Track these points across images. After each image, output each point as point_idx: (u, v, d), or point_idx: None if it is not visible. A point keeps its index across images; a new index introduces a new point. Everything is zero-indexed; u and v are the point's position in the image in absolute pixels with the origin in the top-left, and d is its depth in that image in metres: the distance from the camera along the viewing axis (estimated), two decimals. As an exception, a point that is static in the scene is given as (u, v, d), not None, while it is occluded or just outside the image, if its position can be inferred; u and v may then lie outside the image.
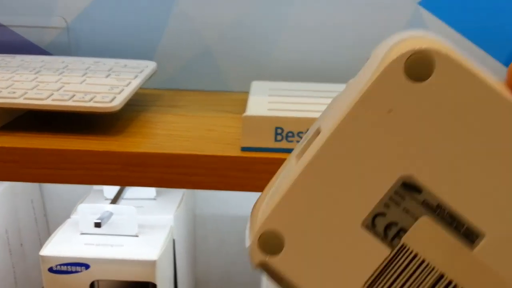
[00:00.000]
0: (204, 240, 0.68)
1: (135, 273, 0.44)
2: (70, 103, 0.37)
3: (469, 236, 0.16)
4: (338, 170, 0.16)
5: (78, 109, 0.37)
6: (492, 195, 0.15)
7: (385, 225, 0.16)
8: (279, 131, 0.35)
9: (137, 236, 0.46)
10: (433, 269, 0.16)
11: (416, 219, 0.16)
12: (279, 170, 0.19)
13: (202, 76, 0.53)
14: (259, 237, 0.17)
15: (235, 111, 0.46)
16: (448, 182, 0.16)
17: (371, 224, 0.16)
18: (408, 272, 0.16)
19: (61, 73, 0.43)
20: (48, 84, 0.40)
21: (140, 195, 0.52)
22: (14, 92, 0.38)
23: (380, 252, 0.16)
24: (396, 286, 0.16)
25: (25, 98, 0.37)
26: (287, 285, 0.17)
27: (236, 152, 0.36)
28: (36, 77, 0.42)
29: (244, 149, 0.36)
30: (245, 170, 0.36)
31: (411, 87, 0.15)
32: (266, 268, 0.17)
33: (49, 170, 0.36)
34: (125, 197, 0.51)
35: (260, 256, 0.17)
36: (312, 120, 0.35)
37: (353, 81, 0.17)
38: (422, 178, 0.16)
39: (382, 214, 0.16)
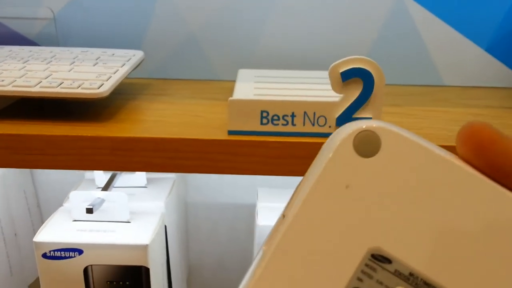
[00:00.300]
0: (196, 228, 0.69)
1: (127, 258, 0.44)
2: (58, 90, 0.37)
3: None
4: (306, 253, 0.16)
5: (66, 96, 0.37)
6: (459, 256, 0.16)
7: None
8: (264, 114, 0.36)
9: (129, 222, 0.47)
10: None
11: None
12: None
13: (190, 65, 0.53)
14: None
15: (222, 98, 0.46)
16: (415, 250, 0.16)
17: None
18: None
19: (49, 62, 0.43)
20: (37, 72, 0.40)
21: (131, 183, 0.53)
22: (2, 80, 0.38)
23: None
24: None
25: (14, 86, 0.38)
26: None
27: (223, 136, 0.37)
28: (25, 66, 0.42)
29: (231, 132, 0.37)
30: (232, 153, 0.36)
31: (363, 163, 0.16)
32: None
33: (39, 156, 0.37)
34: (116, 185, 0.52)
35: None
36: (297, 104, 0.36)
37: (310, 170, 0.17)
38: (389, 248, 0.16)
39: None
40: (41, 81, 0.38)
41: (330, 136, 0.17)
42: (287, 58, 0.52)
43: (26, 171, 0.62)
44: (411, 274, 0.16)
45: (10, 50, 0.47)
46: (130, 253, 0.44)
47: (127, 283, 0.46)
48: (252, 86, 0.43)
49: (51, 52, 0.47)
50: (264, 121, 0.36)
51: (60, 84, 0.38)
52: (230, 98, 0.36)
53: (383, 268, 0.16)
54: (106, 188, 0.49)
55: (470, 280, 0.15)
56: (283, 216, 0.17)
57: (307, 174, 0.17)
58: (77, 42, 0.53)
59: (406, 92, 0.50)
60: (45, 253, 0.45)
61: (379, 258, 0.16)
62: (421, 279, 0.16)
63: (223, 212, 0.68)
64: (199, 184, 0.66)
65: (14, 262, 0.60)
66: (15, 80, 0.39)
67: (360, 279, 0.16)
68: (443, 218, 0.16)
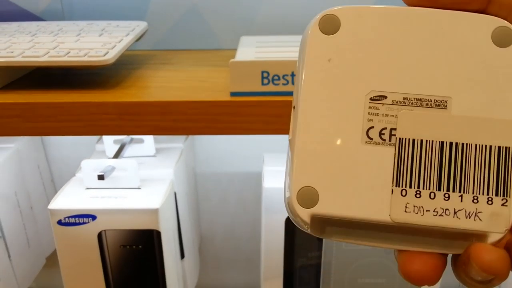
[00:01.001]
0: (206, 198, 0.71)
1: (139, 222, 0.46)
2: (65, 58, 0.38)
3: (440, 105, 0.19)
4: (324, 110, 0.20)
5: (73, 64, 0.38)
6: (435, 69, 0.19)
7: (378, 133, 0.19)
8: (265, 74, 0.37)
9: (139, 188, 0.49)
10: (432, 142, 0.19)
11: (396, 116, 0.19)
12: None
13: (193, 35, 0.54)
14: (297, 195, 0.20)
15: (226, 65, 0.47)
16: (397, 78, 0.19)
17: (368, 138, 0.19)
18: (417, 155, 0.19)
19: (56, 35, 0.45)
20: (44, 44, 0.42)
21: (140, 152, 0.54)
22: (12, 52, 0.40)
23: (388, 154, 0.19)
24: (415, 173, 0.19)
25: (23, 57, 0.39)
26: (334, 225, 0.20)
27: (225, 97, 0.38)
28: (33, 39, 0.43)
29: (233, 94, 0.38)
30: (235, 114, 0.38)
31: (332, 38, 0.20)
32: (313, 219, 0.20)
33: (49, 123, 0.38)
34: (125, 155, 0.53)
35: (303, 212, 0.20)
36: (295, 63, 0.37)
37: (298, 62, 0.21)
38: (380, 88, 0.19)
39: (371, 128, 0.19)
40: (49, 51, 0.40)
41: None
42: (289, 24, 0.53)
43: (39, 145, 0.64)
44: (405, 98, 0.19)
45: (19, 25, 0.48)
46: (142, 217, 0.46)
47: (140, 246, 0.48)
48: (253, 50, 0.44)
49: (57, 25, 0.48)
50: (265, 81, 0.37)
51: (67, 53, 0.39)
52: (231, 60, 0.37)
53: (383, 104, 0.19)
54: (116, 156, 0.50)
55: (446, 76, 0.19)
56: (293, 107, 0.20)
57: (297, 65, 0.21)
58: (83, 16, 0.54)
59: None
60: (60, 220, 0.46)
61: (376, 98, 0.20)
62: (414, 98, 0.19)
63: (232, 181, 0.70)
64: (207, 155, 0.68)
65: (31, 235, 0.62)
66: (24, 52, 0.40)
67: (370, 119, 0.19)
68: (410, 46, 0.19)
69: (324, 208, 0.19)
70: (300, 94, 0.20)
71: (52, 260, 0.68)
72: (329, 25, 0.20)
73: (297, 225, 0.20)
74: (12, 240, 0.58)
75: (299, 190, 0.19)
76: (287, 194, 0.20)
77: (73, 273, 0.49)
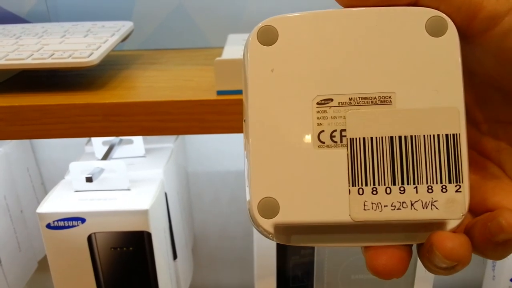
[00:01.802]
0: (199, 198, 0.70)
1: (129, 223, 0.46)
2: (49, 60, 0.38)
3: (385, 101, 0.20)
4: (274, 120, 0.20)
5: (57, 66, 0.38)
6: (375, 66, 0.20)
7: (329, 136, 0.20)
8: (251, 72, 0.36)
9: (129, 190, 0.48)
10: (382, 138, 0.19)
11: (344, 117, 0.20)
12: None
13: (180, 34, 0.54)
14: (258, 206, 0.20)
15: (212, 63, 0.47)
16: (340, 80, 0.20)
17: (320, 142, 0.20)
18: (368, 153, 0.19)
19: (40, 37, 0.44)
20: (29, 46, 0.41)
21: (129, 153, 0.54)
22: (-5, 55, 0.39)
23: (341, 155, 0.20)
24: (369, 170, 0.19)
25: (7, 60, 0.39)
26: (299, 232, 0.20)
27: (212, 96, 0.37)
28: (17, 41, 0.43)
29: (219, 92, 0.37)
30: (221, 113, 0.37)
31: (272, 49, 0.20)
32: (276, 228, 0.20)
33: (34, 126, 0.38)
34: (114, 156, 0.53)
35: (265, 222, 0.20)
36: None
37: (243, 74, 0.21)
38: (325, 91, 0.20)
39: (322, 132, 0.20)
40: (33, 54, 0.39)
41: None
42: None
43: (28, 148, 0.63)
44: (350, 99, 0.20)
45: (3, 28, 0.48)
46: (131, 218, 0.45)
47: (130, 248, 0.48)
48: (240, 48, 0.44)
49: (42, 27, 0.47)
50: (251, 79, 0.37)
51: (52, 55, 0.39)
52: (217, 59, 0.37)
53: (330, 107, 0.20)
54: (104, 158, 0.50)
55: (387, 72, 0.20)
56: (244, 120, 0.21)
57: (242, 78, 0.21)
58: (68, 17, 0.53)
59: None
60: (49, 224, 0.46)
61: (323, 102, 0.20)
62: (358, 97, 0.20)
63: (224, 180, 0.70)
64: (198, 154, 0.67)
65: (22, 239, 0.62)
66: (8, 55, 0.40)
67: (319, 124, 0.20)
68: (349, 47, 0.20)
69: (286, 216, 0.20)
70: (248, 107, 0.20)
71: (44, 264, 0.67)
72: (267, 36, 0.20)
73: (262, 235, 0.20)
74: (2, 245, 0.58)
75: (259, 202, 0.20)
76: (248, 206, 0.20)
77: (64, 277, 0.49)
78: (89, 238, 0.46)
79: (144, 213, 0.45)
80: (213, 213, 0.72)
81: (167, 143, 0.58)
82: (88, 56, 0.38)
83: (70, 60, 0.38)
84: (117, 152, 0.53)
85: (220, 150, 0.67)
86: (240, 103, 0.37)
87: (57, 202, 0.47)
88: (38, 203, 0.65)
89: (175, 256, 0.56)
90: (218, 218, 0.72)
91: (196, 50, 0.53)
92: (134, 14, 0.53)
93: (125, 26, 0.47)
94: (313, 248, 0.52)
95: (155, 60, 0.49)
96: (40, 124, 0.38)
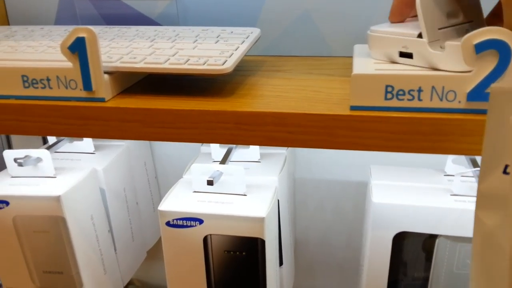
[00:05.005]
0: (303, 204, 0.70)
1: (244, 229, 0.46)
2: (186, 66, 0.39)
3: None
4: None
5: (193, 72, 0.39)
6: None
7: None
8: (389, 89, 0.35)
9: (245, 195, 0.49)
10: None
11: None
12: None
13: (304, 42, 0.53)
14: None
15: (339, 74, 0.46)
16: None
17: None
18: None
19: (173, 41, 0.46)
20: (164, 50, 0.43)
21: (245, 157, 0.55)
22: (134, 58, 0.41)
23: None
24: None
25: (145, 63, 0.40)
26: None
27: (345, 111, 0.36)
28: (152, 45, 0.44)
29: (353, 108, 0.36)
30: (354, 129, 0.36)
31: None
32: None
33: (168, 129, 0.39)
34: (232, 159, 0.53)
35: None
36: (425, 78, 0.35)
37: None
38: None
39: None
40: (169, 58, 0.40)
41: None
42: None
43: (147, 144, 0.66)
44: None
45: (137, 30, 0.50)
46: (247, 224, 0.46)
47: (244, 253, 0.48)
48: (371, 61, 0.42)
49: (174, 31, 0.49)
50: (389, 96, 0.35)
51: (187, 61, 0.40)
52: (354, 73, 0.36)
53: None
54: (223, 161, 0.51)
55: None
56: None
57: None
58: (196, 20, 0.55)
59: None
60: (169, 221, 0.47)
61: None
62: None
63: (330, 189, 0.69)
64: (307, 161, 0.67)
65: (136, 229, 0.65)
66: (146, 58, 0.41)
67: None
68: None
69: None
70: None
71: (152, 254, 0.70)
72: None
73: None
74: (118, 234, 0.61)
75: None
76: None
77: (177, 273, 0.50)
78: (205, 239, 0.47)
79: (261, 221, 0.45)
80: (316, 220, 0.71)
81: (281, 149, 0.58)
82: (223, 64, 0.39)
83: (205, 67, 0.39)
84: (233, 155, 0.54)
85: (329, 158, 0.66)
86: (374, 120, 0.36)
87: (178, 201, 0.48)
88: (152, 196, 0.68)
89: (281, 263, 0.56)
90: (321, 225, 0.72)
91: (318, 58, 0.52)
92: (259, 20, 0.53)
93: (253, 33, 0.47)
94: (427, 272, 0.50)
95: (279, 68, 0.49)
96: (173, 128, 0.39)
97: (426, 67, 0.36)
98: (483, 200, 0.24)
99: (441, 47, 0.35)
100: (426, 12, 0.35)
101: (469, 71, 0.33)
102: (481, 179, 0.27)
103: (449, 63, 0.34)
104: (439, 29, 0.36)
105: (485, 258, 0.19)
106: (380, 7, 0.50)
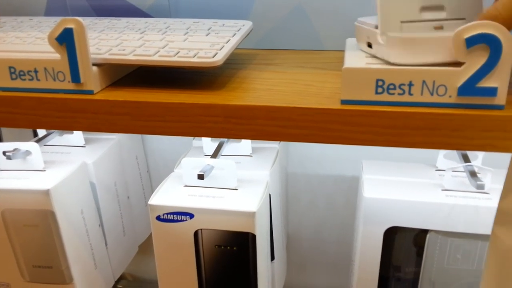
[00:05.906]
0: (296, 199, 0.70)
1: (235, 224, 0.46)
2: (175, 58, 0.39)
3: None
4: None
5: (183, 64, 0.38)
6: None
7: None
8: (380, 83, 0.35)
9: (236, 189, 0.48)
10: None
11: None
12: None
13: (296, 35, 0.53)
14: None
15: (331, 68, 0.46)
16: None
17: None
18: None
19: (164, 33, 0.45)
20: (154, 42, 0.42)
21: (237, 151, 0.54)
22: (124, 50, 0.40)
23: None
24: None
25: (135, 55, 0.40)
26: None
27: (335, 105, 0.36)
28: (142, 37, 0.44)
29: (344, 102, 0.36)
30: (345, 123, 0.36)
31: None
32: None
33: (158, 122, 0.38)
34: (223, 153, 0.53)
35: None
36: (415, 72, 0.34)
37: None
38: None
39: None
40: (159, 51, 0.40)
41: None
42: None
43: (138, 138, 0.66)
44: None
45: (128, 22, 0.49)
46: (238, 219, 0.46)
47: (234, 248, 0.48)
48: (362, 55, 0.42)
49: (165, 23, 0.48)
50: (379, 90, 0.35)
51: (177, 53, 0.39)
52: (344, 67, 0.35)
53: None
54: (214, 155, 0.50)
55: None
56: None
57: None
58: (188, 12, 0.54)
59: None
60: (159, 216, 0.47)
61: None
62: None
63: (323, 184, 0.68)
64: (300, 156, 0.67)
65: (127, 223, 0.64)
66: (135, 50, 0.41)
67: None
68: None
69: None
70: None
71: (144, 249, 0.70)
72: None
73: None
74: (109, 229, 0.60)
75: None
76: None
77: (167, 267, 0.50)
78: (196, 234, 0.47)
79: (251, 215, 0.45)
80: (308, 215, 0.71)
81: (273, 143, 0.57)
82: (213, 57, 0.38)
83: (195, 59, 0.38)
84: (225, 149, 0.53)
85: (322, 153, 0.66)
86: (365, 114, 0.35)
87: (168, 196, 0.48)
88: (143, 190, 0.68)
89: (272, 257, 0.56)
90: (313, 220, 0.71)
91: (310, 52, 0.52)
92: (252, 12, 0.53)
93: (245, 25, 0.47)
94: (418, 266, 0.50)
95: (271, 61, 0.49)
96: (163, 121, 0.38)
97: (383, 59, 0.36)
98: (503, 217, 0.23)
99: None
100: (387, 2, 0.35)
101: (416, 65, 0.33)
102: (503, 195, 0.25)
103: (391, 56, 0.35)
104: (404, 22, 0.36)
105: (502, 279, 0.17)
106: (373, 1, 0.50)
